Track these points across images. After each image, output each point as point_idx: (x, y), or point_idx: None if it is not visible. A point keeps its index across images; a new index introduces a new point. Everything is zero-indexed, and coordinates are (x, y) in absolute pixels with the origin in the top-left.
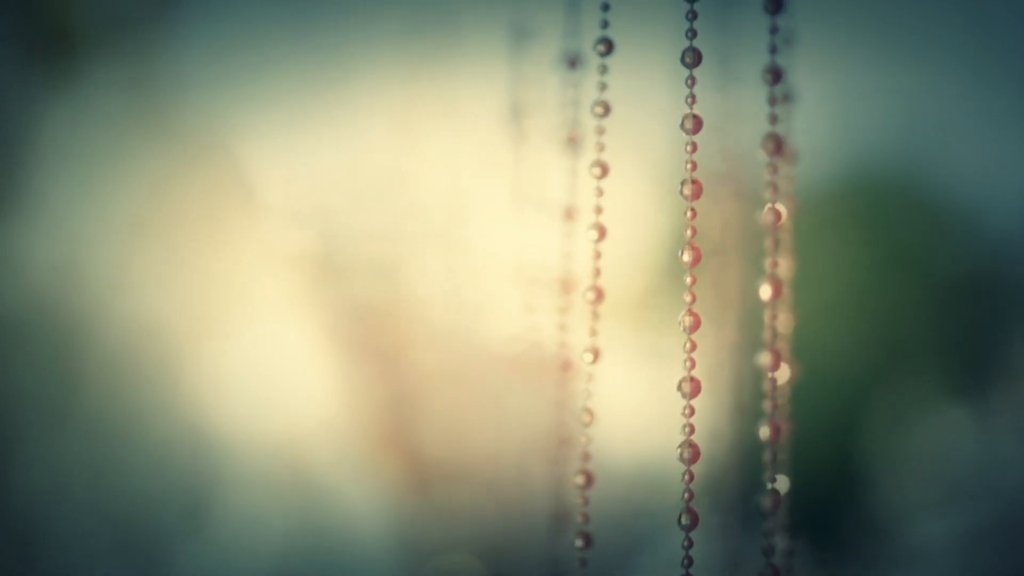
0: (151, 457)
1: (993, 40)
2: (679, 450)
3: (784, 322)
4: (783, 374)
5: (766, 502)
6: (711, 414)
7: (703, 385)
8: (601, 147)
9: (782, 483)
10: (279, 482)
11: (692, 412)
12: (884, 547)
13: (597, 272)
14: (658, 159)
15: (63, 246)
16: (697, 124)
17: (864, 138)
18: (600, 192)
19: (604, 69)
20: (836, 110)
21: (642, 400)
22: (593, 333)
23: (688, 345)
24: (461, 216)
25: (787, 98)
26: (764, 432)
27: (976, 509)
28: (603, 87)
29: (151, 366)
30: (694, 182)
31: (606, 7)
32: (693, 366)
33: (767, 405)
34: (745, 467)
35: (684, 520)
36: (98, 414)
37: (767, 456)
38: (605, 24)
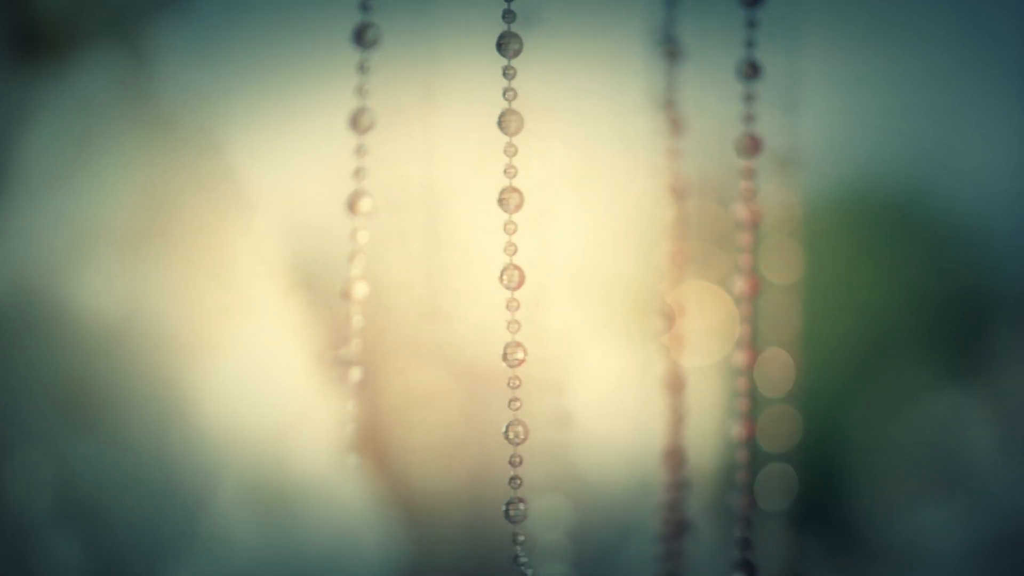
0: (142, 467)
1: (992, 57)
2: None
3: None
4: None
5: (738, 501)
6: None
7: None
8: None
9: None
10: (267, 495)
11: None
12: (879, 539)
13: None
14: (643, 153)
15: (48, 241)
16: (755, 144)
17: (861, 153)
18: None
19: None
20: (833, 124)
21: (632, 395)
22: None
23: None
24: (444, 218)
25: (673, 55)
26: (736, 430)
27: (970, 503)
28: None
29: (139, 368)
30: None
31: None
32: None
33: (740, 403)
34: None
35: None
36: (83, 419)
37: (740, 455)
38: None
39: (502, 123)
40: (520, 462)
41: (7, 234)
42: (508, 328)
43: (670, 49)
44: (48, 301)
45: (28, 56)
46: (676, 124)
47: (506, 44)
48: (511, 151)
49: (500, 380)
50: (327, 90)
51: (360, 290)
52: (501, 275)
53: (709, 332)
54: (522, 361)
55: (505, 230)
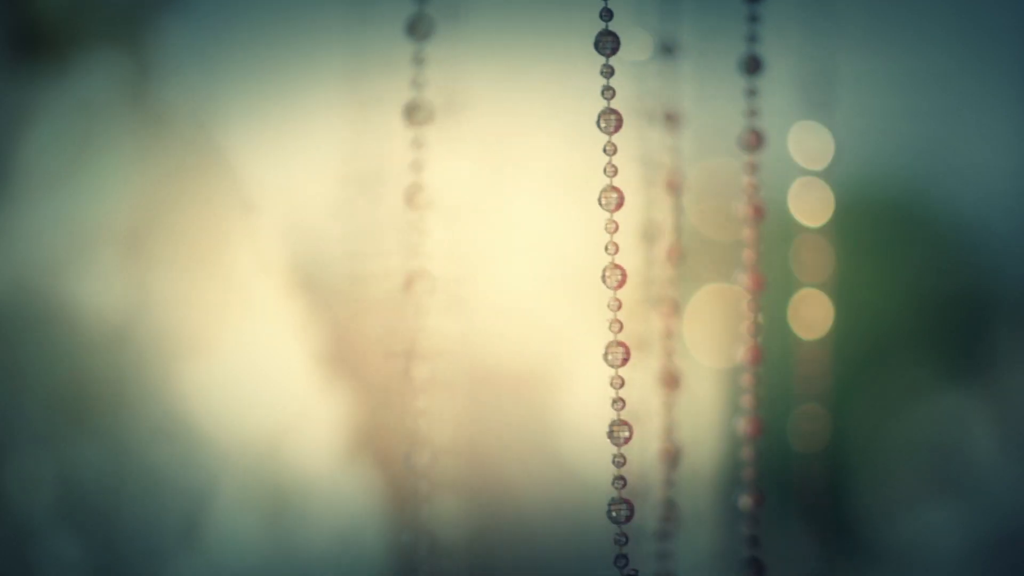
0: (142, 467)
1: (992, 57)
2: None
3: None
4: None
5: (746, 500)
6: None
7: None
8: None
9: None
10: (267, 495)
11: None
12: (880, 539)
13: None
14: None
15: (49, 242)
16: (757, 139)
17: (861, 153)
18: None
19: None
20: (834, 124)
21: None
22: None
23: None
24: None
25: (668, 51)
26: (742, 426)
27: (970, 503)
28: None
29: (139, 369)
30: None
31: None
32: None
33: (746, 400)
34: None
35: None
36: (84, 420)
37: (745, 452)
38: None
39: (601, 122)
40: (624, 463)
41: (7, 234)
42: (610, 328)
43: (667, 45)
44: (48, 301)
45: (28, 56)
46: (672, 120)
47: (603, 43)
48: (611, 149)
49: (498, 380)
50: (327, 90)
51: (422, 284)
52: (603, 274)
53: (715, 330)
54: (625, 361)
55: (606, 229)
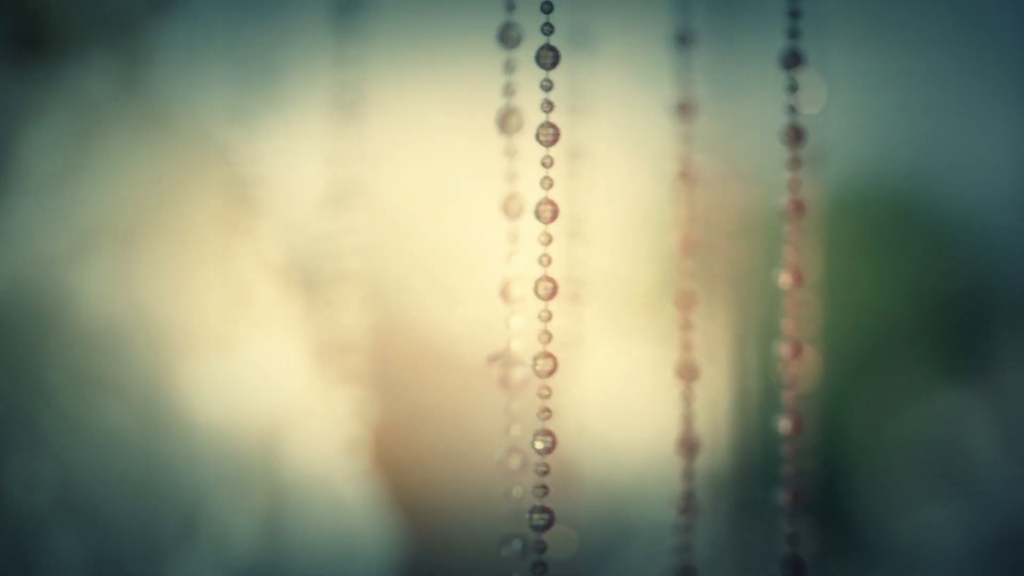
0: (141, 466)
1: (992, 57)
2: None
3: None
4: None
5: (785, 496)
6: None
7: (702, 371)
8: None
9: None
10: (266, 495)
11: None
12: (880, 539)
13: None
14: (647, 144)
15: (48, 241)
16: (798, 135)
17: (861, 152)
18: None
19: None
20: (833, 123)
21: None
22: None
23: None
24: (441, 221)
25: (684, 40)
26: (784, 425)
27: (970, 503)
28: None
29: (138, 367)
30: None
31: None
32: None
33: (787, 397)
34: (748, 457)
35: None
36: (83, 419)
37: (786, 450)
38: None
39: (540, 135)
40: (547, 471)
41: (7, 234)
42: (539, 338)
43: (682, 35)
44: (48, 301)
45: (27, 56)
46: (687, 110)
47: (544, 57)
48: (548, 162)
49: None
50: (328, 90)
51: (518, 290)
52: (535, 287)
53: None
54: (552, 372)
55: (539, 240)
